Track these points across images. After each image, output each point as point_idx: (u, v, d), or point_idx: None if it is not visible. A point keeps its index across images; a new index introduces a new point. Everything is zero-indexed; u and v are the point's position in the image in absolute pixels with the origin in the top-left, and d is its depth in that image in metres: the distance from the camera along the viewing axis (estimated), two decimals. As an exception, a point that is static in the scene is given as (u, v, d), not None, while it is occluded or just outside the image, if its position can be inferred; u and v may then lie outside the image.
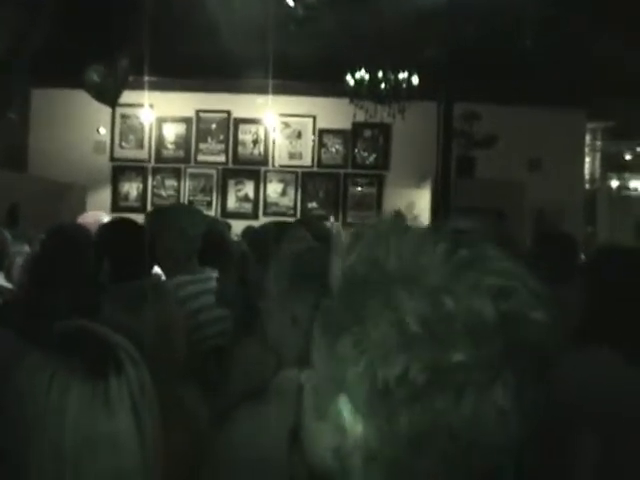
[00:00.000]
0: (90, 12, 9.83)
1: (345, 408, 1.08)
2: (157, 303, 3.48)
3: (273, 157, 14.42)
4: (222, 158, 14.47)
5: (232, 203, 14.42)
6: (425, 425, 1.02)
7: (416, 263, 1.07)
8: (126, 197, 14.40)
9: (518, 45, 10.41)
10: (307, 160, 14.43)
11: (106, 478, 1.53)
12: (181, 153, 14.47)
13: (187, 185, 14.42)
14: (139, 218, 12.96)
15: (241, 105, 14.15)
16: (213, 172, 14.46)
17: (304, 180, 14.41)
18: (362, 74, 11.17)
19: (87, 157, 14.15)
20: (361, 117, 12.14)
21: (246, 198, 14.43)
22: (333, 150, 14.47)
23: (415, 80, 11.16)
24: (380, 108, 11.49)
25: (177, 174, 14.44)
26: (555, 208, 13.42)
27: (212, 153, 14.49)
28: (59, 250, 3.50)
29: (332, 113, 13.99)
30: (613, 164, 16.77)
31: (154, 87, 12.83)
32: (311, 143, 14.42)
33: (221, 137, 14.49)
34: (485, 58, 10.98)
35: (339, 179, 14.44)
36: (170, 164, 14.45)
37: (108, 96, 9.86)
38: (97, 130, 14.18)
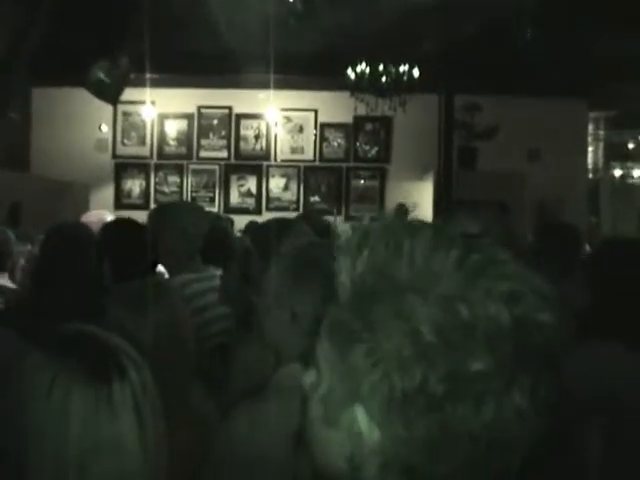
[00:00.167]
0: (90, 10, 9.82)
1: (360, 416, 1.07)
2: (164, 302, 3.48)
3: (275, 152, 14.43)
4: (224, 154, 14.48)
5: (235, 198, 14.43)
6: (445, 432, 1.02)
7: (428, 270, 1.06)
8: (129, 194, 14.41)
9: (518, 36, 10.39)
10: (309, 154, 14.44)
11: (109, 482, 1.54)
12: (183, 149, 14.48)
13: (190, 181, 14.44)
14: (142, 215, 12.95)
15: (242, 100, 14.16)
16: (215, 168, 14.47)
17: (306, 174, 14.42)
18: (363, 68, 11.16)
19: (89, 155, 14.17)
20: (362, 110, 12.13)
21: (249, 193, 14.44)
22: (335, 144, 14.47)
23: (416, 73, 11.15)
24: (381, 101, 11.48)
25: (179, 170, 14.44)
26: (557, 199, 13.40)
27: (214, 149, 14.51)
28: (59, 249, 3.50)
29: (333, 107, 13.99)
30: (616, 153, 16.76)
31: (155, 84, 12.82)
32: (313, 137, 14.43)
33: (223, 133, 14.50)
34: (485, 49, 10.96)
35: (341, 173, 14.45)
36: (172, 160, 14.47)
37: (109, 94, 9.86)
38: (99, 128, 14.20)
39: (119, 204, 14.25)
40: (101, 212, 5.70)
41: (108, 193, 14.29)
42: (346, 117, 13.97)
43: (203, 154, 14.49)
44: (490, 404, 1.02)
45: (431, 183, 13.58)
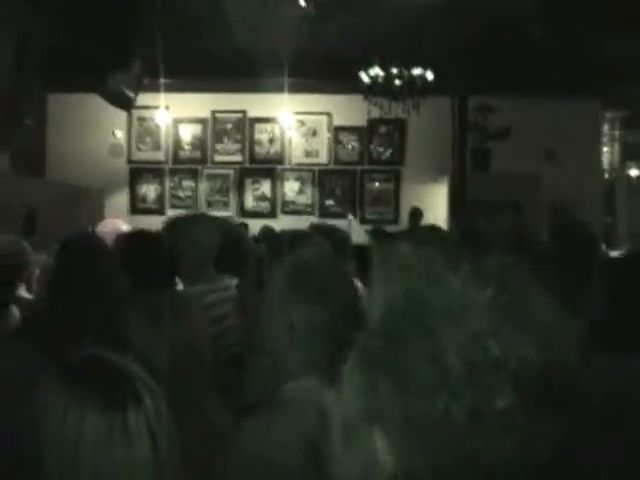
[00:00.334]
0: (104, 17, 9.86)
1: (379, 441, 1.07)
2: (181, 315, 3.51)
3: (289, 155, 14.46)
4: (239, 158, 14.51)
5: (250, 202, 14.45)
6: (462, 464, 1.02)
7: (462, 304, 1.06)
8: (144, 199, 14.45)
9: (531, 36, 10.37)
10: (323, 157, 14.45)
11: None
12: (198, 154, 14.52)
13: (204, 186, 14.47)
14: (157, 220, 12.98)
15: (256, 104, 14.18)
16: (230, 172, 14.50)
17: (321, 177, 14.43)
18: (376, 71, 11.15)
19: (104, 160, 14.22)
20: (376, 113, 12.12)
21: (263, 197, 14.46)
22: (349, 147, 14.48)
23: (429, 76, 11.13)
24: (395, 104, 11.47)
25: (194, 175, 14.48)
26: (572, 199, 13.36)
27: (228, 153, 14.53)
28: (72, 261, 3.51)
29: (347, 110, 14.00)
30: (631, 153, 16.67)
31: (169, 89, 12.87)
32: (327, 140, 14.44)
33: (237, 137, 14.53)
34: (498, 50, 10.95)
35: (356, 176, 14.46)
36: (187, 165, 14.51)
37: (124, 101, 9.90)
38: (113, 133, 14.24)
39: (134, 209, 14.31)
40: (116, 221, 5.70)
41: (123, 198, 14.34)
42: (360, 120, 13.98)
43: (218, 158, 14.52)
44: (511, 440, 1.02)
45: (446, 185, 13.58)
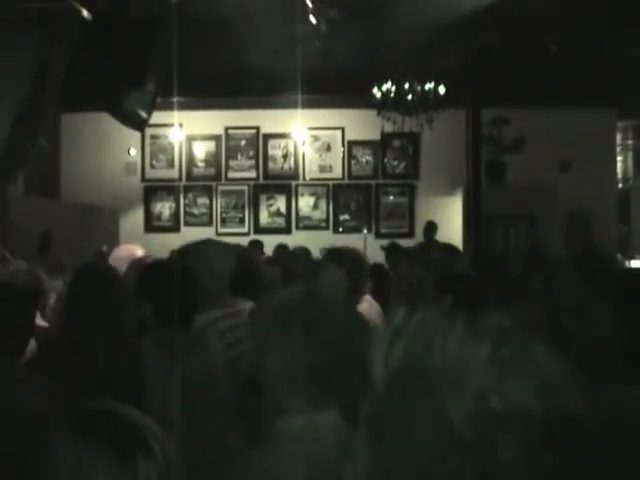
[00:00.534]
0: (117, 35, 9.89)
1: None
2: (199, 343, 3.53)
3: (303, 171, 14.48)
4: (253, 174, 14.54)
5: (264, 218, 14.46)
6: None
7: (462, 364, 1.06)
8: (159, 217, 14.49)
9: (544, 48, 10.37)
10: (337, 172, 14.47)
11: None
12: (212, 171, 14.55)
13: (219, 202, 14.49)
14: (172, 238, 12.96)
15: (269, 120, 14.21)
16: (244, 188, 14.52)
17: (335, 192, 14.44)
18: (388, 86, 11.15)
19: (119, 179, 14.27)
20: (389, 127, 12.11)
21: (278, 213, 14.47)
22: (363, 161, 14.49)
23: (442, 90, 11.12)
24: (408, 119, 11.46)
25: (208, 192, 14.51)
26: (588, 209, 13.34)
27: (242, 169, 14.56)
28: (84, 292, 3.54)
29: (360, 124, 14.00)
30: (646, 162, 16.62)
31: (183, 107, 12.89)
32: (341, 155, 14.44)
33: (251, 153, 14.56)
34: (510, 62, 10.93)
35: (370, 190, 14.47)
36: (201, 182, 14.54)
37: (137, 121, 9.91)
38: (128, 151, 14.28)
39: (149, 227, 14.35)
40: (131, 247, 5.70)
41: (138, 216, 14.38)
42: (374, 134, 13.95)
43: (232, 175, 14.55)
44: None
45: (460, 198, 13.56)
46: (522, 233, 12.99)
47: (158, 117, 12.33)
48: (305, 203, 14.47)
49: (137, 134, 13.63)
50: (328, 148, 14.43)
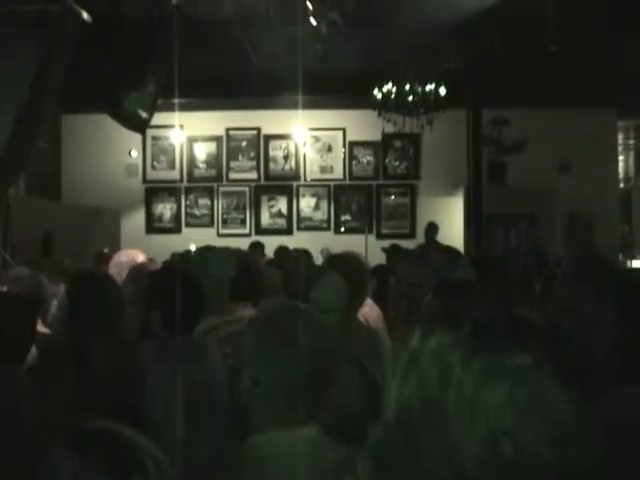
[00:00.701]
0: (118, 37, 9.89)
1: None
2: (203, 358, 3.53)
3: (304, 171, 14.47)
4: (254, 175, 14.53)
5: (266, 219, 14.46)
6: None
7: (477, 404, 1.05)
8: (160, 218, 14.48)
9: (545, 48, 10.35)
10: (338, 173, 14.46)
11: None
12: (213, 172, 14.54)
13: (220, 203, 14.48)
14: (174, 239, 12.93)
15: (270, 121, 14.20)
16: (245, 189, 14.52)
17: (336, 193, 14.44)
18: (389, 87, 11.13)
19: (120, 180, 14.26)
20: (390, 128, 12.09)
21: (279, 214, 14.46)
22: (364, 161, 14.48)
23: (442, 91, 11.10)
24: (408, 120, 11.44)
25: (210, 193, 14.50)
26: (589, 209, 13.34)
27: (243, 170, 14.55)
28: (80, 300, 3.54)
29: (361, 125, 13.99)
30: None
31: (183, 108, 12.87)
32: (342, 156, 14.43)
33: (252, 154, 14.55)
34: (510, 63, 10.92)
35: (371, 190, 14.46)
36: (202, 183, 14.53)
37: (138, 123, 9.90)
38: (129, 153, 14.26)
39: (150, 228, 14.34)
40: (132, 252, 5.68)
41: (139, 217, 14.37)
42: (375, 135, 13.95)
43: (233, 176, 14.54)
44: None
45: (461, 199, 13.56)
46: (523, 233, 13.00)
47: (159, 118, 12.30)
48: (306, 204, 14.47)
49: (138, 135, 13.62)
50: (329, 149, 14.43)
